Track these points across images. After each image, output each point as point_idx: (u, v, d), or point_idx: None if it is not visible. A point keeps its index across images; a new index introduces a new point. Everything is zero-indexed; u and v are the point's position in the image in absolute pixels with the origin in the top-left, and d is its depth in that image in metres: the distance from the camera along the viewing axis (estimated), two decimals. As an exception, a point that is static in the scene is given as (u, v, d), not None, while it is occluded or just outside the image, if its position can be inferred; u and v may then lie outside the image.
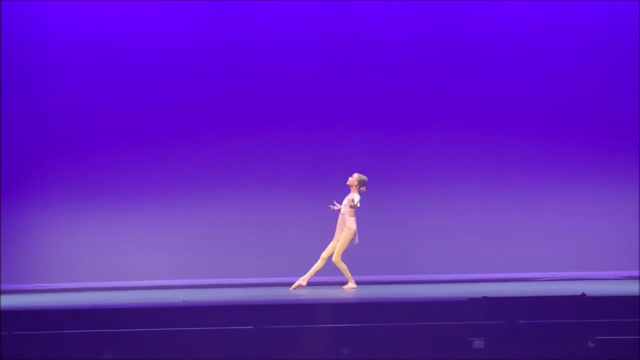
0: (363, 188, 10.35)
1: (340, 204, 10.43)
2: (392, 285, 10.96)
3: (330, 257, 10.29)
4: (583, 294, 7.02)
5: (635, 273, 11.09)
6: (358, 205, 10.16)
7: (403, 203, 11.90)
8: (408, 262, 11.74)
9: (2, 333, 6.81)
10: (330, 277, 10.86)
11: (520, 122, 11.89)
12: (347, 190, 10.43)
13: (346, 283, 10.42)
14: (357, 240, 10.31)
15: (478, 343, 6.69)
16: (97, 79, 12.05)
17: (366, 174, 10.52)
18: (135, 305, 7.81)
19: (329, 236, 10.39)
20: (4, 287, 11.39)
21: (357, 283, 10.41)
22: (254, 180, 11.91)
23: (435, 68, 11.96)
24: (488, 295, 7.18)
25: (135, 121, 12.09)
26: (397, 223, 11.82)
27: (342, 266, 10.31)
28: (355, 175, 10.37)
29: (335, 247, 10.26)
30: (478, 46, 11.95)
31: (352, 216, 10.28)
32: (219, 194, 11.94)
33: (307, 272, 10.27)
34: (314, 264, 10.28)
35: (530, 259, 11.61)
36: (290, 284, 10.38)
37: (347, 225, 10.23)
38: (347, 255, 10.36)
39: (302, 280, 10.27)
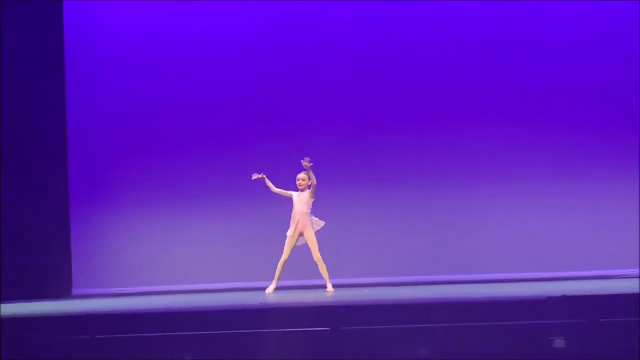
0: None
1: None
2: (460, 285, 10.80)
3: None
4: (667, 291, 6.91)
5: None
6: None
7: (461, 201, 11.80)
8: (459, 262, 11.57)
9: (85, 337, 6.97)
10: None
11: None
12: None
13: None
14: (323, 223, 9.79)
15: (559, 342, 6.65)
16: (172, 80, 12.00)
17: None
18: (213, 307, 7.88)
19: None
20: (80, 291, 11.58)
21: (430, 283, 10.26)
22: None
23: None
24: (567, 293, 7.11)
25: (209, 122, 12.02)
26: (460, 223, 11.71)
27: (322, 266, 9.72)
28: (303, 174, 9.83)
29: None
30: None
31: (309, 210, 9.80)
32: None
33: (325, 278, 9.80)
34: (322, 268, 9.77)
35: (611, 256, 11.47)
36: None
37: (308, 226, 9.70)
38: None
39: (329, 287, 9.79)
